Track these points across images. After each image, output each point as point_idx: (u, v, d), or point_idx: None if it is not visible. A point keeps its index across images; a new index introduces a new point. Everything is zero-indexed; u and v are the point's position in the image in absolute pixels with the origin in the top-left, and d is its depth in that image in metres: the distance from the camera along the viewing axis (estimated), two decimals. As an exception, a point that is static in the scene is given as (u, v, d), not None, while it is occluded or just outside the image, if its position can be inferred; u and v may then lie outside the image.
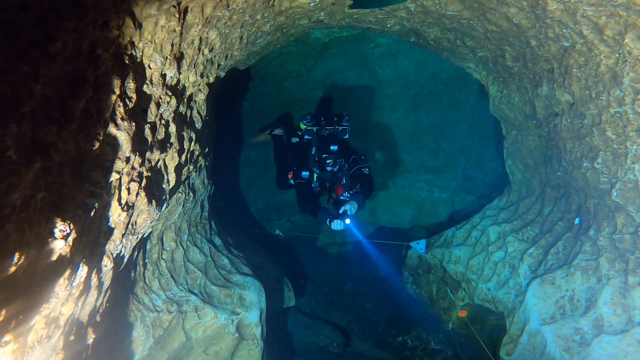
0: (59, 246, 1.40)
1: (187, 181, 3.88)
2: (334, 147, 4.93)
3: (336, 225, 4.41)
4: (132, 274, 3.49)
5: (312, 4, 3.44)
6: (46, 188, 1.34)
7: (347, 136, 5.51)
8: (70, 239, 1.47)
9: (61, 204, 1.47)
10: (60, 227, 1.40)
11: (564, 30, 2.94)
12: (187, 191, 3.92)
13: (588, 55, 2.93)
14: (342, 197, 4.80)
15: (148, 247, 3.76)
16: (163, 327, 3.64)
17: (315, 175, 5.11)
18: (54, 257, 1.39)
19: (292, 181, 5.37)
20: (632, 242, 3.05)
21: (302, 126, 5.41)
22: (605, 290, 3.11)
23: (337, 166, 4.94)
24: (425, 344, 5.84)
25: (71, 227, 1.46)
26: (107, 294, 2.47)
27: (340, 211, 4.49)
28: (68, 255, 1.50)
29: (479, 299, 4.75)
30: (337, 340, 6.11)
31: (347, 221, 4.43)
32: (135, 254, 3.40)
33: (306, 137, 5.32)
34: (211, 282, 4.28)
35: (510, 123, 5.06)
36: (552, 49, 3.26)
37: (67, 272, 1.52)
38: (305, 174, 5.07)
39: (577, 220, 3.88)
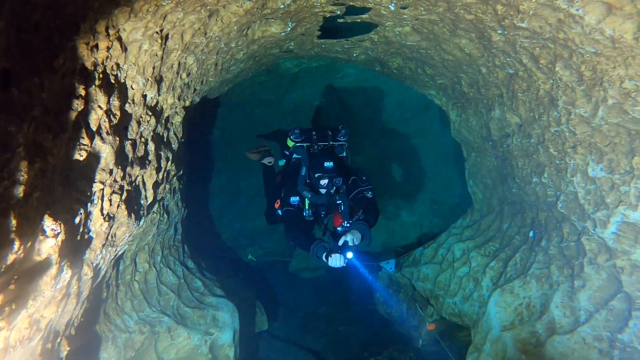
0: (50, 244, 1.51)
1: (162, 202, 3.97)
2: (328, 164, 4.03)
3: (335, 261, 3.55)
4: (105, 294, 3.51)
5: (283, 33, 3.70)
6: (41, 189, 1.47)
7: (344, 154, 4.67)
8: (59, 239, 1.59)
9: (52, 206, 1.59)
10: (52, 226, 1.52)
11: (507, 59, 3.30)
12: (162, 212, 4.01)
13: (529, 81, 3.29)
14: (340, 229, 3.94)
15: (121, 267, 3.79)
16: (135, 348, 3.64)
17: (306, 200, 4.18)
18: (44, 255, 1.50)
19: (279, 211, 4.46)
20: (576, 249, 3.34)
21: (290, 143, 4.57)
22: (556, 294, 3.37)
23: (334, 187, 4.07)
24: (397, 363, 5.95)
25: (61, 228, 1.58)
26: (84, 306, 2.53)
27: (340, 243, 3.67)
28: (56, 256, 1.60)
29: (447, 314, 4.94)
30: (312, 366, 6.13)
31: (349, 255, 3.59)
32: (109, 273, 3.44)
33: (295, 156, 4.43)
34: (184, 304, 4.31)
35: (469, 146, 5.42)
36: (500, 75, 3.63)
37: (54, 271, 1.63)
38: (294, 199, 4.16)
39: (531, 233, 4.17)
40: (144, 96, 2.58)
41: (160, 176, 3.14)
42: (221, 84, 4.84)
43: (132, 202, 2.59)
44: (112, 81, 2.11)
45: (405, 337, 6.02)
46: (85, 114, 1.84)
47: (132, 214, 2.55)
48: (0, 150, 1.08)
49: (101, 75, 1.94)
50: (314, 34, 4.19)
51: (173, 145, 3.43)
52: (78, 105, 1.70)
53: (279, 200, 4.46)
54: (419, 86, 5.56)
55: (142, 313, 3.80)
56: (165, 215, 4.12)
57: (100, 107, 1.96)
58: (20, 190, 1.22)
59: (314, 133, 4.55)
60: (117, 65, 2.15)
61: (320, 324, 7.26)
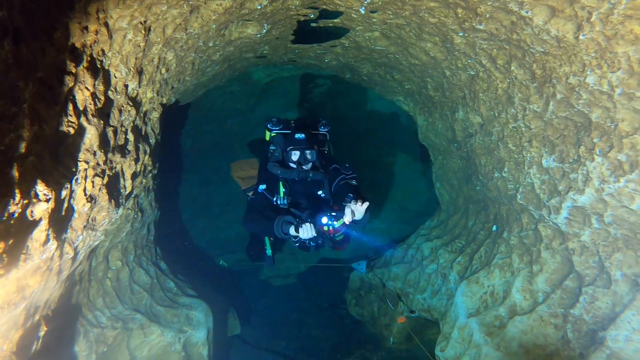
0: (42, 208, 1.58)
1: (136, 199, 4.00)
2: (299, 136, 3.74)
3: (305, 231, 3.14)
4: (77, 288, 3.49)
5: (259, 35, 3.86)
6: (35, 155, 1.54)
7: (325, 148, 4.38)
8: (50, 206, 1.66)
9: (43, 175, 1.66)
10: (44, 191, 1.59)
11: (468, 61, 3.57)
12: (136, 210, 4.03)
13: (488, 81, 3.56)
14: (327, 218, 3.38)
15: (94, 264, 3.77)
16: (107, 343, 3.62)
17: (281, 187, 3.68)
18: (37, 216, 1.56)
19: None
20: (534, 237, 3.59)
21: (268, 135, 4.26)
22: (517, 280, 3.59)
23: (309, 163, 3.70)
24: (368, 363, 6.05)
25: (52, 194, 1.65)
26: (61, 290, 2.55)
27: (346, 213, 3.20)
28: (46, 222, 1.67)
29: (417, 309, 5.11)
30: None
31: (324, 220, 3.30)
32: (83, 266, 3.43)
33: (272, 147, 4.01)
34: (157, 303, 4.30)
35: (436, 149, 5.69)
36: (462, 77, 3.90)
37: (43, 238, 1.69)
38: (261, 187, 3.73)
39: (494, 228, 4.43)
40: (126, 86, 2.67)
41: (138, 168, 3.20)
42: (196, 87, 4.93)
43: (113, 189, 2.64)
44: (98, 66, 2.20)
45: (377, 337, 6.14)
46: (73, 92, 1.93)
47: (112, 200, 2.61)
48: (10, 103, 1.17)
49: (89, 58, 2.03)
50: (287, 38, 4.37)
51: (150, 140, 3.49)
52: (69, 81, 1.79)
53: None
54: (388, 92, 5.82)
55: (114, 310, 3.78)
56: (139, 214, 4.13)
57: (87, 88, 2.05)
58: (22, 146, 1.30)
59: (292, 122, 4.29)
60: (103, 51, 2.24)
61: (292, 330, 7.29)
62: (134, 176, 3.11)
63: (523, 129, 3.40)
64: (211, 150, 8.76)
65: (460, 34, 3.28)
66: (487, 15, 2.87)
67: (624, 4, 2.15)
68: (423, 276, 5.31)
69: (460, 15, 3.02)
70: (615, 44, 2.34)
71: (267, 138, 4.26)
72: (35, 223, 1.57)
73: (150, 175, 4.00)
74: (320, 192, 3.81)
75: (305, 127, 4.19)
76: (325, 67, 5.66)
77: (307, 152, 3.72)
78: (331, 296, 8.01)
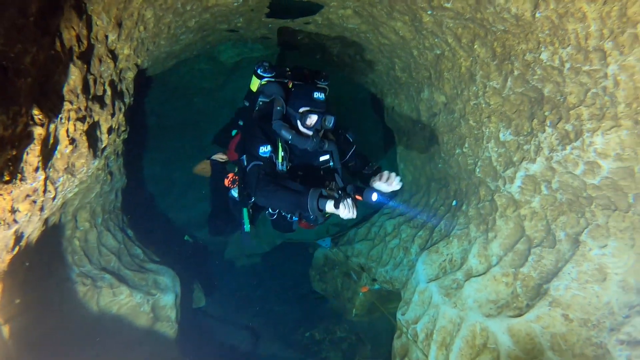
0: (39, 131, 1.63)
1: (107, 162, 3.99)
2: (319, 95, 3.07)
3: (347, 209, 2.61)
4: (49, 240, 3.46)
5: (236, 3, 3.92)
6: (32, 77, 1.59)
7: None
8: (44, 130, 1.70)
9: (37, 101, 1.71)
10: (39, 115, 1.64)
11: (435, 40, 3.80)
12: (106, 172, 4.02)
13: (453, 60, 3.81)
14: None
15: (62, 221, 3.74)
16: (77, 298, 3.60)
17: (280, 150, 3.04)
18: (35, 137, 1.61)
19: (233, 192, 3.63)
20: (490, 208, 3.88)
21: (255, 84, 3.51)
22: (473, 247, 3.88)
23: (322, 130, 3.13)
24: (331, 335, 6.28)
25: (46, 121, 1.69)
26: (41, 229, 2.56)
27: (371, 194, 2.90)
28: (39, 147, 1.71)
29: (379, 281, 5.36)
30: (247, 340, 6.27)
31: (374, 197, 2.91)
32: (54, 220, 3.41)
33: (261, 99, 3.33)
34: (125, 267, 4.31)
35: (401, 131, 5.94)
36: (429, 57, 4.13)
37: (35, 164, 1.73)
38: (264, 149, 2.99)
39: (453, 202, 4.72)
40: (106, 37, 2.69)
41: (114, 124, 3.21)
42: (167, 56, 4.91)
43: (91, 137, 2.66)
44: (83, 8, 2.22)
45: (340, 311, 6.37)
46: (60, 29, 1.96)
47: (91, 149, 2.63)
48: (20, 14, 1.22)
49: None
50: (263, 10, 4.45)
51: (125, 99, 3.50)
52: (59, 14, 1.83)
53: (230, 174, 3.64)
54: (357, 74, 6.01)
55: (83, 268, 3.77)
56: (109, 176, 4.12)
57: (73, 28, 2.08)
58: (28, 59, 1.35)
59: (288, 70, 3.53)
60: (88, -5, 2.27)
61: (255, 305, 7.41)
62: (110, 131, 3.12)
63: (483, 105, 3.66)
64: (176, 129, 8.65)
65: (429, 12, 3.48)
66: (456, -7, 3.09)
67: (576, -17, 2.40)
68: (386, 251, 5.56)
69: (431, -8, 3.23)
70: (566, 22, 2.60)
71: (255, 88, 3.53)
72: (32, 145, 1.62)
73: (122, 137, 3.98)
74: (324, 159, 3.32)
75: (304, 78, 3.57)
76: (296, 44, 5.76)
77: (328, 118, 3.11)
78: (295, 274, 8.17)
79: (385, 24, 4.12)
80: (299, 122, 3.12)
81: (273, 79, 3.42)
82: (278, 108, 3.11)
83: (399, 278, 5.02)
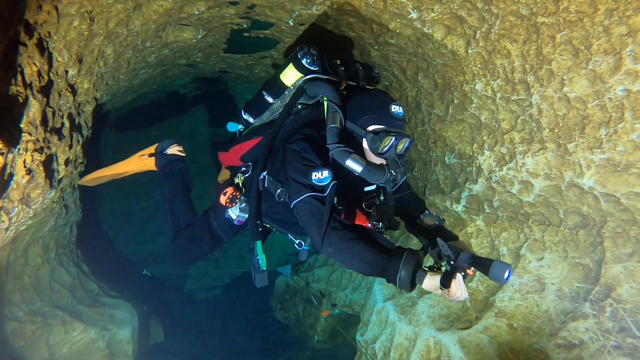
0: (-2, 160, 1.69)
1: (62, 195, 3.95)
2: (398, 111, 2.23)
3: (459, 287, 1.85)
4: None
5: (194, 40, 4.09)
6: (-6, 110, 1.67)
7: None
8: (2, 161, 1.76)
9: (-3, 132, 1.77)
10: None
11: (383, 72, 4.10)
12: (61, 205, 3.97)
13: (400, 90, 4.11)
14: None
15: (12, 257, 3.65)
16: (25, 337, 3.48)
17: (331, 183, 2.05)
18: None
19: (230, 212, 2.71)
20: (441, 227, 4.13)
21: (291, 76, 2.44)
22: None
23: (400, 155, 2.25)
24: (294, 363, 6.25)
25: (5, 150, 1.76)
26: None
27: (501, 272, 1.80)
28: (-2, 177, 1.77)
29: (339, 305, 5.46)
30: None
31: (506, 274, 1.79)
32: (4, 255, 3.33)
33: (302, 100, 2.45)
34: (79, 303, 4.20)
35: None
36: (379, 87, 4.42)
37: (-6, 194, 1.78)
38: (318, 176, 2.01)
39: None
40: (66, 72, 2.77)
41: (71, 156, 3.24)
42: (127, 90, 4.99)
43: (48, 168, 2.69)
44: (45, 46, 2.32)
45: (302, 338, 6.38)
46: (22, 65, 2.05)
47: (48, 179, 2.66)
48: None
49: (38, 36, 2.16)
50: (220, 46, 4.64)
51: (83, 132, 3.53)
52: (22, 52, 1.93)
53: (229, 189, 2.65)
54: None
55: (32, 306, 3.66)
56: (64, 210, 4.07)
57: (35, 64, 2.17)
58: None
59: (339, 63, 2.60)
60: (49, 33, 2.36)
61: (216, 337, 7.27)
62: (67, 162, 3.14)
63: (429, 131, 3.95)
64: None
65: (376, 47, 3.78)
66: (397, 31, 3.39)
67: (497, 25, 2.74)
68: (345, 275, 5.70)
69: (375, 30, 3.52)
70: (495, 57, 2.93)
71: (290, 82, 2.49)
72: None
73: (79, 169, 3.98)
74: (370, 189, 2.49)
75: (356, 75, 2.68)
76: (254, 79, 5.98)
77: (404, 141, 2.26)
78: (257, 303, 8.11)
79: (337, 59, 4.40)
80: (365, 144, 2.22)
81: (321, 75, 2.40)
82: (333, 125, 2.11)
83: (358, 301, 5.14)
